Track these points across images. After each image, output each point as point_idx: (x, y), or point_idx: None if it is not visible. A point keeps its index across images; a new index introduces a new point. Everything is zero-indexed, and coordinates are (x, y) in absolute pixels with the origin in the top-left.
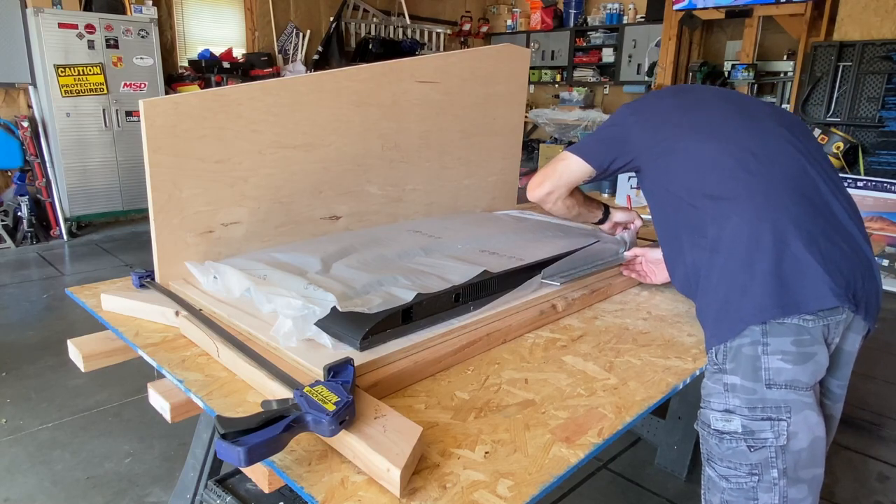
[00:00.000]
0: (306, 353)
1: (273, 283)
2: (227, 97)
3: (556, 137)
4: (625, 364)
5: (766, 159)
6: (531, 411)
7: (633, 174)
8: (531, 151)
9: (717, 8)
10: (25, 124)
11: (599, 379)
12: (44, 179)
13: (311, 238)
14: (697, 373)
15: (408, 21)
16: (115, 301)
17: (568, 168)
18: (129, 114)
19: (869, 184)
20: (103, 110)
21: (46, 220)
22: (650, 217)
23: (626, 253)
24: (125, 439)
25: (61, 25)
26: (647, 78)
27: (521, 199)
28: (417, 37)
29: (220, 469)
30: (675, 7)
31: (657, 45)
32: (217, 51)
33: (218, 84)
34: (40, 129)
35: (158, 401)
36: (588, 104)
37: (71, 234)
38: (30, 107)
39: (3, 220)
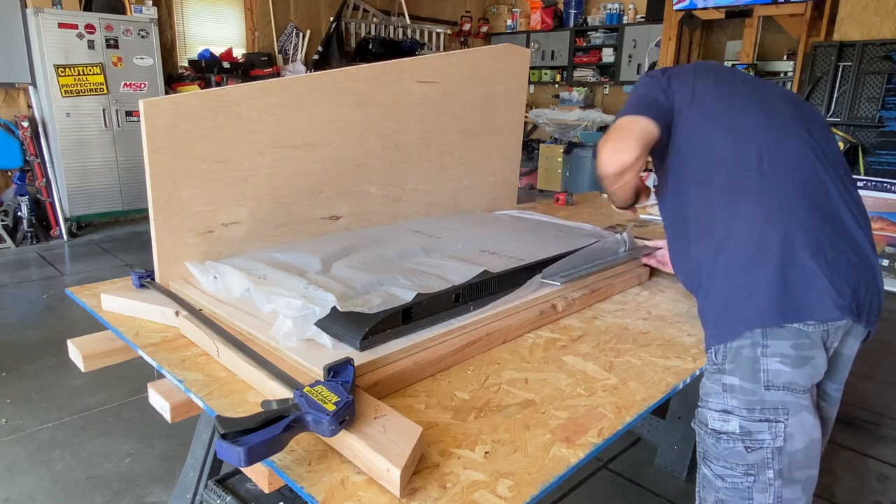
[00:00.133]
0: (306, 353)
1: (273, 283)
2: (227, 97)
3: (556, 137)
4: (625, 364)
5: (780, 160)
6: (531, 411)
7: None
8: (531, 151)
9: (717, 8)
10: (25, 124)
11: (599, 379)
12: (44, 179)
13: (311, 238)
14: (697, 373)
15: (408, 21)
16: (115, 301)
17: (643, 129)
18: (129, 114)
19: (869, 184)
20: (103, 110)
21: (46, 220)
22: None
23: (648, 243)
24: (125, 439)
25: (61, 25)
26: None
27: (522, 199)
28: (417, 37)
29: (220, 469)
30: (676, 7)
31: (657, 45)
32: (217, 51)
33: (218, 84)
34: (40, 129)
35: (158, 401)
36: (588, 104)
37: (71, 234)
38: (30, 107)
39: (3, 220)
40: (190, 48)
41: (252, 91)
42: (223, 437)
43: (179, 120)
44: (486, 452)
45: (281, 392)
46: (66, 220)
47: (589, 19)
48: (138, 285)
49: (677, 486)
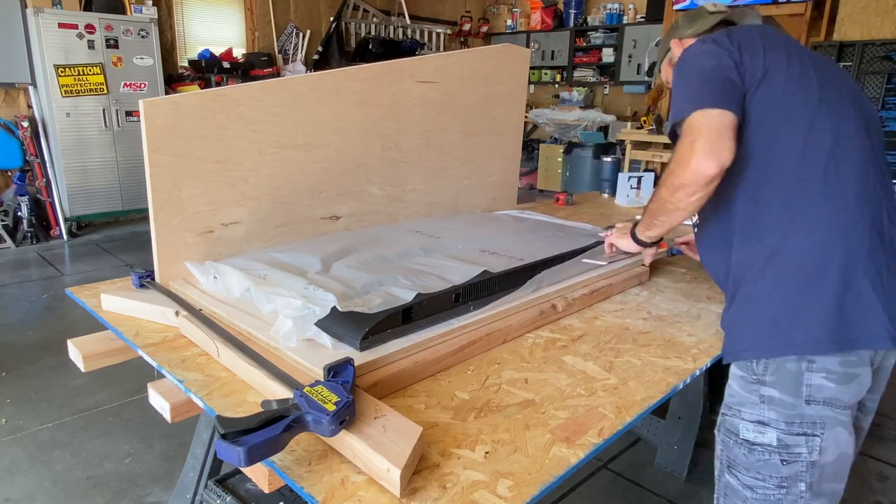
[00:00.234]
0: (306, 353)
1: (273, 283)
2: (227, 97)
3: (556, 137)
4: (625, 364)
5: (846, 171)
6: (531, 411)
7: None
8: (531, 151)
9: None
10: (25, 124)
11: (599, 379)
12: (44, 179)
13: (311, 238)
14: (697, 373)
15: (408, 21)
16: (115, 301)
17: (733, 125)
18: (129, 114)
19: None
20: (103, 110)
21: (46, 220)
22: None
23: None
24: (125, 439)
25: (61, 25)
26: (647, 78)
27: (522, 199)
28: (417, 37)
29: (220, 469)
30: (675, 7)
31: (657, 44)
32: (217, 51)
33: (218, 84)
34: (40, 129)
35: (158, 401)
36: (588, 104)
37: (71, 234)
38: (30, 107)
39: (3, 220)
40: (190, 48)
41: (252, 91)
42: (223, 437)
43: (179, 120)
44: (487, 452)
45: (281, 392)
46: (66, 220)
47: (589, 19)
48: (138, 285)
49: (677, 486)
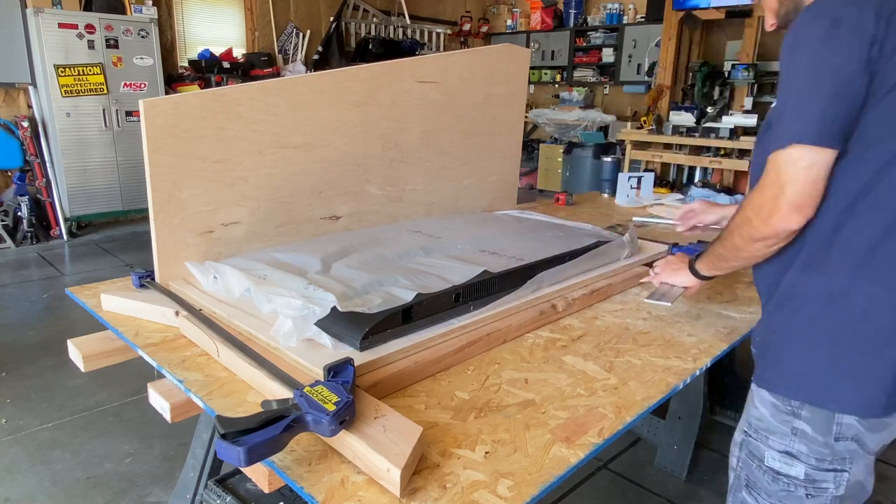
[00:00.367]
0: (306, 353)
1: (273, 283)
2: (227, 97)
3: (556, 137)
4: (625, 364)
5: None
6: (531, 411)
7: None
8: (531, 151)
9: (717, 8)
10: (25, 124)
11: (599, 379)
12: (44, 179)
13: (311, 238)
14: (697, 373)
15: (408, 21)
16: (115, 301)
17: (819, 172)
18: (129, 114)
19: None
20: (103, 110)
21: (46, 220)
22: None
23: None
24: (125, 439)
25: (61, 25)
26: (647, 78)
27: (522, 199)
28: (417, 37)
29: (220, 469)
30: (676, 7)
31: (657, 45)
32: (217, 51)
33: (218, 84)
34: (40, 129)
35: (158, 401)
36: (588, 104)
37: (71, 234)
38: (30, 107)
39: (3, 220)
40: (190, 48)
41: (252, 91)
42: (223, 437)
43: (179, 120)
44: (487, 452)
45: (281, 392)
46: (66, 220)
47: (589, 19)
48: (138, 285)
49: (677, 486)
